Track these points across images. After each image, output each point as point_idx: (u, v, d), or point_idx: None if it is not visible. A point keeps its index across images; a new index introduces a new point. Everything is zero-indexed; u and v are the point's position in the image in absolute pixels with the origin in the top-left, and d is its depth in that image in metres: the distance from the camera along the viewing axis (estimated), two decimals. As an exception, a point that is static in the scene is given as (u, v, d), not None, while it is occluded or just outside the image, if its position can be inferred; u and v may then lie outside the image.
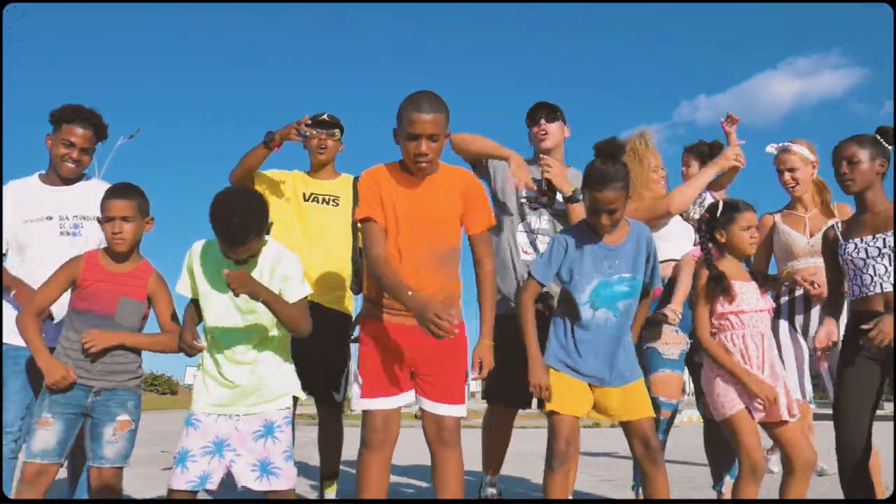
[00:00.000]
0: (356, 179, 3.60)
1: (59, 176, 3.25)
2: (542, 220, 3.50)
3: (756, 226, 3.12)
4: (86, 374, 2.76)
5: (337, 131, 3.74)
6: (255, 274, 2.59)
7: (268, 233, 2.60)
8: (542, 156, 3.47)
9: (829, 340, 3.08)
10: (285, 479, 2.58)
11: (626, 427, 2.86)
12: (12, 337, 3.01)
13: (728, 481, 3.83)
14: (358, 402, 2.66)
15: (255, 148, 3.46)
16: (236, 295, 2.47)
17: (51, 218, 3.19)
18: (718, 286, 3.02)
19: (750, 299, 3.05)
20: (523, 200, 3.51)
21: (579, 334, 2.87)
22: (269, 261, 2.65)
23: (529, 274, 2.95)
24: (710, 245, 3.13)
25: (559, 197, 3.52)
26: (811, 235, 3.60)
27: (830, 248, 3.17)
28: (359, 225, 2.88)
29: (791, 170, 3.68)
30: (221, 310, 2.62)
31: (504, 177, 3.51)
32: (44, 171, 3.30)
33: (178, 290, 2.72)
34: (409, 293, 2.47)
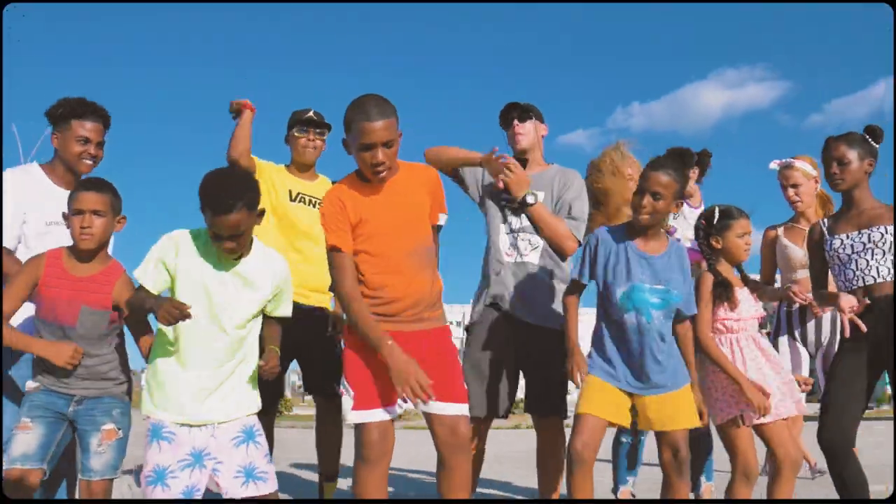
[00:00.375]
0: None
1: (73, 174, 3.05)
2: (522, 220, 3.44)
3: (750, 232, 3.14)
4: (64, 385, 2.60)
5: (325, 130, 3.65)
6: (250, 273, 2.54)
7: (259, 219, 2.51)
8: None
9: (852, 305, 2.99)
10: (272, 483, 2.54)
11: (659, 436, 2.87)
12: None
13: (705, 483, 3.91)
14: (350, 414, 2.56)
15: (238, 124, 3.43)
16: (266, 378, 2.55)
17: (59, 224, 2.99)
18: (724, 292, 3.05)
19: (745, 306, 3.10)
20: (503, 202, 3.46)
21: (613, 340, 2.87)
22: (261, 263, 2.58)
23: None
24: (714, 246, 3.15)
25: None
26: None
27: (816, 244, 3.22)
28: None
29: (794, 185, 3.77)
30: (198, 310, 2.44)
31: (475, 181, 3.51)
32: (41, 162, 3.11)
33: (138, 276, 2.50)
34: (389, 343, 2.48)
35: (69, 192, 2.98)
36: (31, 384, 2.63)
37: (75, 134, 3.01)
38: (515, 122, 3.53)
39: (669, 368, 2.87)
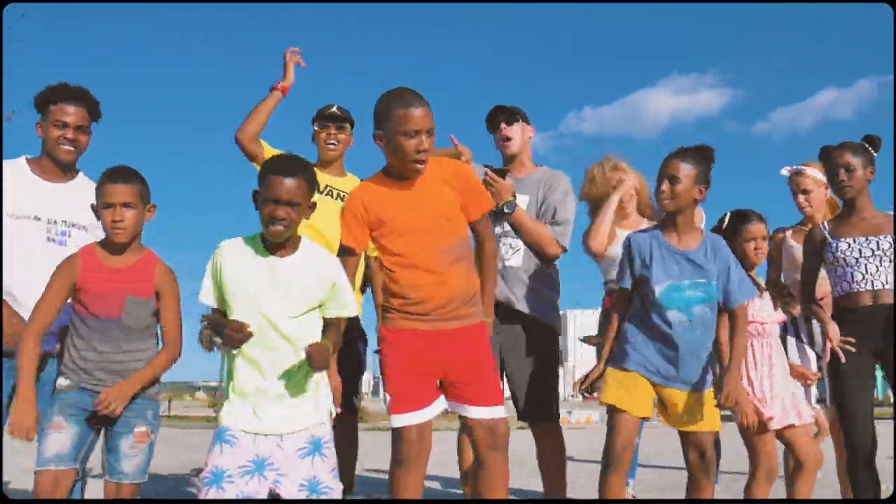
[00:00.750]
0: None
1: (56, 163, 2.94)
2: (504, 225, 3.44)
3: (764, 237, 3.19)
4: (96, 383, 2.53)
5: (347, 125, 3.54)
6: (298, 271, 2.43)
7: (310, 212, 2.46)
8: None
9: (838, 337, 3.13)
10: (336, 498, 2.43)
11: (685, 436, 2.88)
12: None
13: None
14: (391, 418, 2.56)
15: (265, 98, 3.38)
16: (317, 370, 2.36)
17: (38, 219, 2.88)
18: None
19: (764, 310, 3.17)
20: None
21: (649, 334, 2.85)
22: (314, 259, 2.48)
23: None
24: None
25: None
26: None
27: (817, 247, 3.31)
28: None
29: (805, 192, 3.85)
30: (253, 310, 2.38)
31: None
32: (30, 156, 2.99)
33: (200, 299, 2.48)
34: None
35: (56, 183, 2.94)
36: (62, 381, 2.56)
37: (53, 118, 2.90)
38: (503, 125, 3.55)
39: (707, 366, 2.88)
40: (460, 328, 2.60)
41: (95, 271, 2.56)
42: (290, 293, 2.41)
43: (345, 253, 2.62)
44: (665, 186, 2.85)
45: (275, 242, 2.43)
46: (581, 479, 4.54)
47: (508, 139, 3.53)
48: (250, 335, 2.32)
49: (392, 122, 2.49)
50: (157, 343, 2.67)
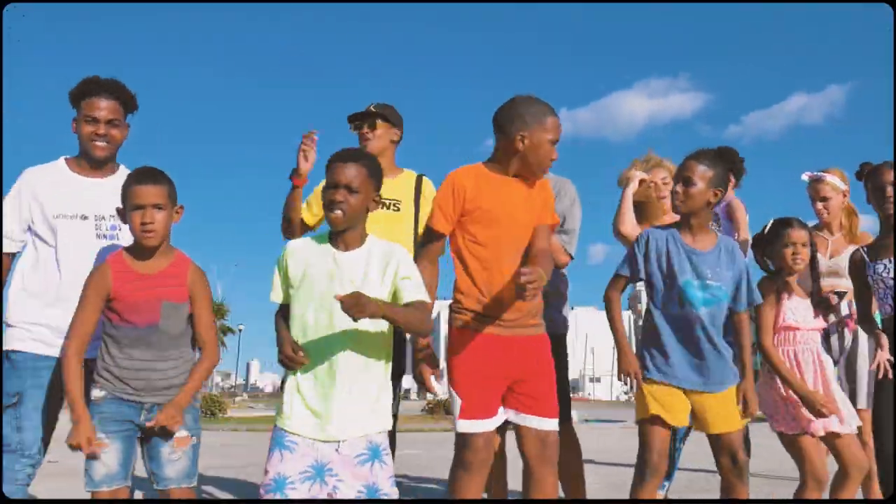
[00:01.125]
0: (420, 179, 3.43)
1: (91, 160, 2.85)
2: None
3: (804, 243, 3.18)
4: (134, 392, 2.46)
5: (377, 120, 3.39)
6: (362, 266, 2.40)
7: (374, 205, 2.45)
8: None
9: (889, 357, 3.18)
10: None
11: (715, 440, 2.87)
12: (31, 344, 2.70)
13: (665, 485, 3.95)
14: (458, 423, 2.58)
15: (288, 194, 3.30)
16: (355, 320, 2.22)
17: (86, 217, 2.81)
18: (774, 284, 3.15)
19: (805, 316, 3.17)
20: None
21: (667, 339, 2.86)
22: (379, 253, 2.44)
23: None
24: (766, 260, 3.27)
25: None
26: (831, 257, 3.85)
27: (859, 270, 3.38)
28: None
29: (823, 199, 3.91)
30: (318, 307, 2.36)
31: None
32: (69, 156, 2.91)
33: (272, 298, 2.48)
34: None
35: (97, 179, 2.86)
36: (96, 392, 2.47)
37: (84, 114, 2.81)
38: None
39: (729, 364, 2.89)
40: (531, 337, 2.66)
41: (127, 280, 2.47)
42: (353, 287, 2.33)
43: (432, 238, 2.69)
44: (679, 188, 2.86)
45: (341, 238, 2.40)
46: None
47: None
48: (301, 362, 2.34)
49: (537, 125, 2.64)
50: (192, 348, 2.60)
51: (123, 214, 2.51)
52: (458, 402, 2.59)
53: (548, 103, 2.69)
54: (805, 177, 3.98)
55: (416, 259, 2.62)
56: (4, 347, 2.72)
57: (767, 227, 3.27)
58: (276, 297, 2.47)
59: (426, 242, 2.72)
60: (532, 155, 2.65)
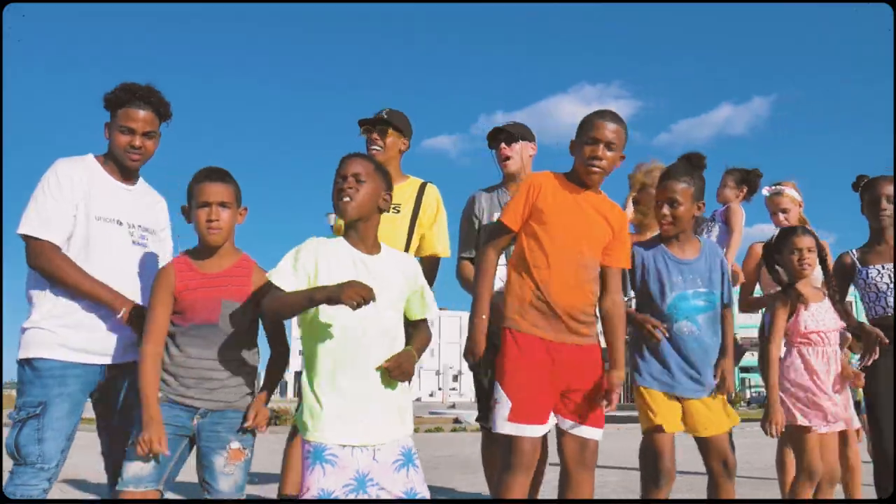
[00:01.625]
0: (424, 185, 3.50)
1: (123, 168, 2.81)
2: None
3: (809, 248, 3.31)
4: (188, 394, 2.44)
5: (388, 127, 3.45)
6: (382, 266, 2.42)
7: (384, 208, 2.47)
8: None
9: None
10: None
11: (704, 443, 2.93)
12: (59, 351, 2.58)
13: None
14: (505, 425, 2.60)
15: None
16: (400, 380, 2.37)
17: (121, 223, 2.77)
18: (788, 295, 3.26)
19: (824, 319, 3.28)
20: None
21: (664, 349, 2.92)
22: (398, 259, 2.52)
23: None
24: (777, 267, 3.39)
25: None
26: None
27: (846, 272, 3.54)
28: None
29: (784, 210, 4.14)
30: (348, 312, 2.27)
31: (482, 209, 3.58)
32: (97, 154, 2.85)
33: (276, 281, 2.34)
34: (483, 317, 2.64)
35: (127, 186, 2.83)
36: None
37: (119, 123, 2.76)
38: (502, 144, 3.64)
39: (713, 369, 2.98)
40: (582, 346, 2.71)
41: (192, 279, 2.49)
42: (385, 288, 2.36)
43: (501, 232, 2.76)
44: (666, 210, 2.94)
45: (361, 240, 2.41)
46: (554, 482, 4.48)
47: (508, 158, 3.62)
48: (373, 298, 2.20)
49: (584, 128, 2.77)
50: (256, 349, 2.58)
51: (188, 213, 2.53)
52: (506, 403, 2.61)
53: (607, 112, 2.79)
54: (766, 191, 4.20)
55: (482, 245, 2.83)
56: (29, 354, 2.60)
57: (774, 238, 3.40)
58: (284, 281, 2.33)
59: (495, 235, 2.79)
60: (577, 155, 2.78)
